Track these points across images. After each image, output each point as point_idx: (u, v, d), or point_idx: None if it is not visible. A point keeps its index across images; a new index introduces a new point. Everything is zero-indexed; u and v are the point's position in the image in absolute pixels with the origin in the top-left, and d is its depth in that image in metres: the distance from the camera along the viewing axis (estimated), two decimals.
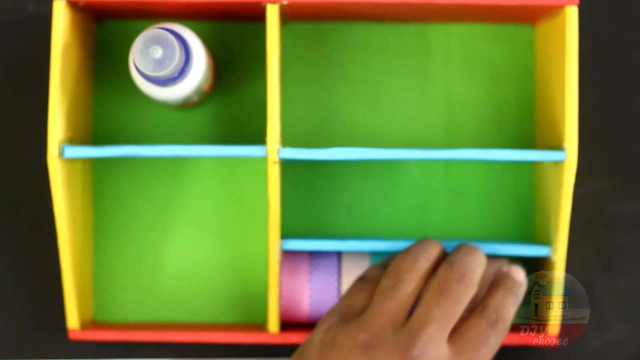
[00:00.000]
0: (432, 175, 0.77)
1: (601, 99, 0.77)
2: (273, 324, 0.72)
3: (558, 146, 0.70)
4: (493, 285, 0.66)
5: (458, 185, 0.77)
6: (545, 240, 0.73)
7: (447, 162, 0.77)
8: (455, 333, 0.62)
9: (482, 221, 0.77)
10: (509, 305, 0.64)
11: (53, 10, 0.69)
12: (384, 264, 0.67)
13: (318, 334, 0.62)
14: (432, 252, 0.66)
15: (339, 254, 0.73)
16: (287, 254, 0.73)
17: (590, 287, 0.76)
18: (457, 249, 0.66)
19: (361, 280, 0.66)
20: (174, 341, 0.73)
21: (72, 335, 0.72)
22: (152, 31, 0.65)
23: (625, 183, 0.77)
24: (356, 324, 0.61)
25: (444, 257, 0.66)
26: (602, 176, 0.77)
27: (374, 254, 0.73)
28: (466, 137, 0.76)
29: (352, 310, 0.63)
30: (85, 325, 0.74)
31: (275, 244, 0.70)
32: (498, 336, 0.63)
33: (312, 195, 0.77)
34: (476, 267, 0.64)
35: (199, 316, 0.77)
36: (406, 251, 0.66)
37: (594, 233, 0.77)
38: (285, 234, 0.74)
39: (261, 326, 0.75)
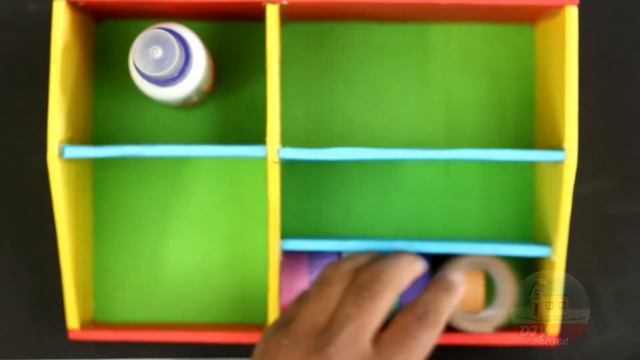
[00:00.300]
0: (432, 175, 0.77)
1: (601, 99, 0.77)
2: None
3: (558, 146, 0.70)
4: (427, 286, 0.65)
5: (458, 185, 0.77)
6: (545, 240, 0.73)
7: (447, 162, 0.77)
8: (382, 331, 0.62)
9: (482, 221, 0.77)
10: (440, 301, 0.63)
11: (53, 10, 0.69)
12: None
13: (257, 346, 0.63)
14: (359, 259, 0.66)
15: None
16: (287, 254, 0.73)
17: (590, 287, 0.76)
18: (383, 255, 0.67)
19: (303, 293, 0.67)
20: (174, 341, 0.74)
21: (72, 335, 0.72)
22: (152, 31, 0.65)
23: (625, 183, 0.77)
24: (283, 330, 0.62)
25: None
26: (602, 176, 0.77)
27: None
28: (466, 137, 0.76)
29: (285, 319, 0.64)
30: (85, 325, 0.74)
31: (275, 244, 0.70)
32: (430, 330, 0.62)
33: (311, 195, 0.77)
34: (397, 269, 0.64)
35: (199, 316, 0.77)
36: (336, 260, 0.67)
37: (594, 233, 0.77)
38: (285, 234, 0.74)
39: (261, 326, 0.75)
